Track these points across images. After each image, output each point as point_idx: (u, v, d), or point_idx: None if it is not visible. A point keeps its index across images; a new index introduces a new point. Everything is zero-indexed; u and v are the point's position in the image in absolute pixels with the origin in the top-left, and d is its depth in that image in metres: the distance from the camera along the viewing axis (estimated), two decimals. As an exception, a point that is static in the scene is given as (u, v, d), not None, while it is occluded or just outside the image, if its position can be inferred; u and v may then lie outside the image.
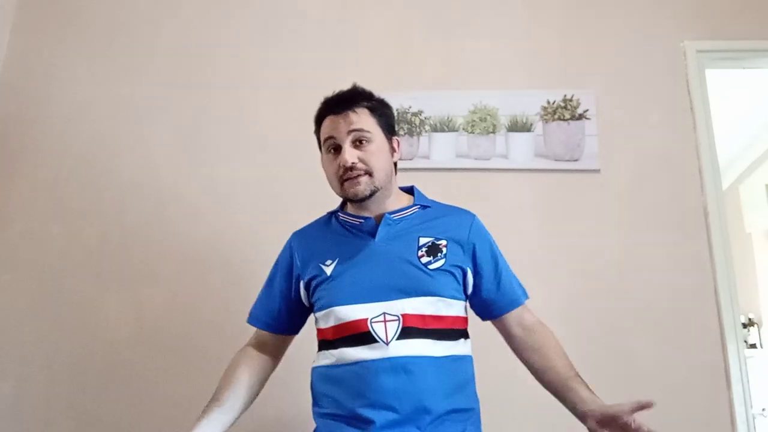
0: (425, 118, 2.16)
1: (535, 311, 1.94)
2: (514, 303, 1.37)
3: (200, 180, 2.17)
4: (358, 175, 1.27)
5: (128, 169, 2.20)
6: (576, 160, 2.10)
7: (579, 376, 1.29)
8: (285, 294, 1.39)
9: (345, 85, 2.28)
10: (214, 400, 1.31)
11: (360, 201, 1.30)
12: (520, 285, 1.41)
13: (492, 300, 1.36)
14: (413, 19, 2.31)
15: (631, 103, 2.16)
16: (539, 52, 2.24)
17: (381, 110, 1.35)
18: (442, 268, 1.27)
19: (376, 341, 1.20)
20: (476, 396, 1.31)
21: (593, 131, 2.12)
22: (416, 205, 1.36)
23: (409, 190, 1.42)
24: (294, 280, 1.37)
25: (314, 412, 1.31)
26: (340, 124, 1.29)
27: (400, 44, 2.28)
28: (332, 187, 1.35)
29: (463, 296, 1.32)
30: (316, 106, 2.22)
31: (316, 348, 1.36)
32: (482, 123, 2.15)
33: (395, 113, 2.14)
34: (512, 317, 1.36)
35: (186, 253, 2.09)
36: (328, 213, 1.43)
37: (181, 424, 1.93)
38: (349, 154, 1.26)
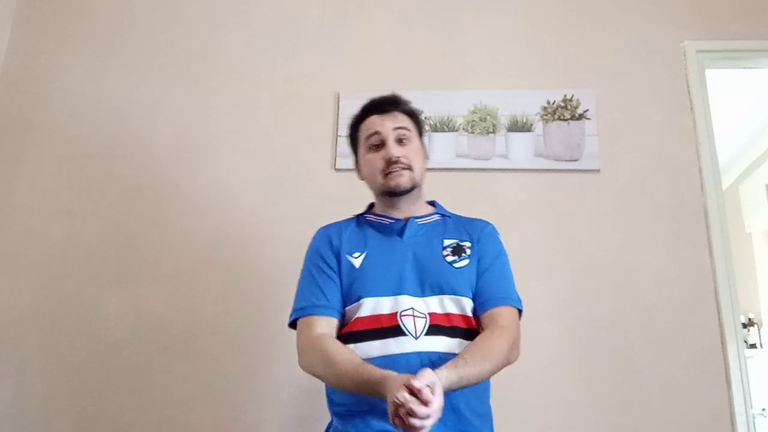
0: (425, 118, 2.15)
1: (536, 311, 1.95)
2: (498, 300, 1.29)
3: (201, 179, 2.17)
4: (402, 169, 1.34)
5: (128, 169, 2.20)
6: (576, 160, 2.10)
7: (460, 359, 1.16)
8: (339, 283, 1.33)
9: (345, 85, 2.29)
10: (355, 365, 1.19)
11: (400, 194, 1.36)
12: (509, 290, 1.33)
13: (479, 293, 1.29)
14: (413, 20, 2.31)
15: (631, 103, 2.16)
16: (539, 52, 2.24)
17: (416, 118, 1.45)
18: (467, 267, 1.30)
19: (404, 335, 1.21)
20: (489, 403, 1.31)
21: (593, 131, 2.11)
22: (438, 213, 1.42)
23: (432, 203, 1.47)
24: (340, 270, 1.35)
25: (331, 410, 1.31)
26: (386, 121, 1.38)
27: (400, 44, 2.28)
28: (371, 182, 1.41)
29: None
30: (316, 105, 2.24)
31: None
32: (482, 123, 2.15)
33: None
34: (486, 317, 1.28)
35: (186, 253, 2.09)
36: (355, 215, 1.47)
37: (181, 424, 1.94)
38: (395, 149, 1.35)
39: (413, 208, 1.39)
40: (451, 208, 1.48)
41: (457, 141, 2.14)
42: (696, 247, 1.99)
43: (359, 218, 1.45)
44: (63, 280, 2.08)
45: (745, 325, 3.81)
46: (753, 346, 3.86)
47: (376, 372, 1.14)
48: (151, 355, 1.99)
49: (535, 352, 1.91)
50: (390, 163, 1.34)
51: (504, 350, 1.22)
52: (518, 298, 1.34)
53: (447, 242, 1.34)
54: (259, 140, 2.20)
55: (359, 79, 2.24)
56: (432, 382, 1.04)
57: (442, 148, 2.14)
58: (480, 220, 1.43)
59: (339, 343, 1.26)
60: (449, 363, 1.14)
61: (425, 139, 1.52)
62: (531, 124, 2.14)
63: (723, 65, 2.28)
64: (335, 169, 2.14)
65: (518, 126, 2.15)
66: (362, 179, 1.45)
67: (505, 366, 1.24)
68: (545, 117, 2.14)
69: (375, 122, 1.39)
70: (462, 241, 1.35)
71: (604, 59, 2.21)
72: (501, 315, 1.27)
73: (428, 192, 1.47)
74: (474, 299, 1.30)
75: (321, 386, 1.87)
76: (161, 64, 2.31)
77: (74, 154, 2.22)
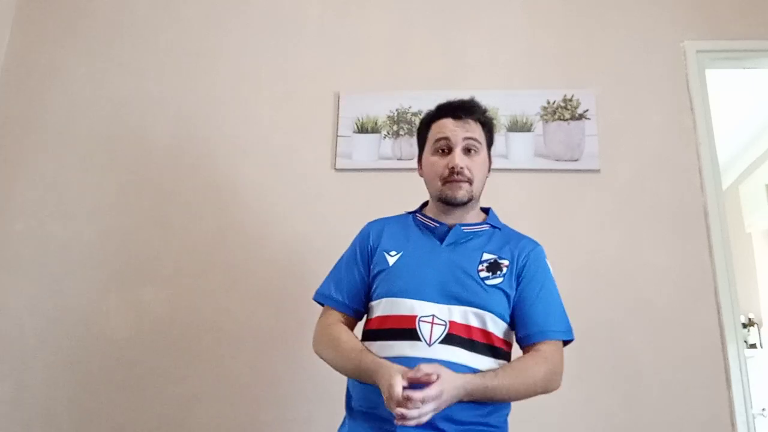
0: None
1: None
2: (540, 335, 1.27)
3: (201, 179, 2.17)
4: (461, 181, 1.33)
5: (128, 168, 2.20)
6: (576, 160, 2.10)
7: (490, 371, 1.20)
8: (366, 281, 1.38)
9: (345, 85, 2.28)
10: (356, 351, 1.26)
11: (456, 205, 1.35)
12: (562, 322, 1.31)
13: (522, 326, 1.29)
14: (413, 19, 2.31)
15: (631, 103, 2.15)
16: (539, 52, 2.24)
17: (490, 127, 1.44)
18: (499, 286, 1.28)
19: (419, 340, 1.22)
20: (506, 422, 1.30)
21: (593, 131, 2.11)
22: (488, 224, 1.40)
23: (486, 210, 1.46)
24: (370, 268, 1.38)
25: (347, 405, 1.32)
26: (458, 128, 1.36)
27: (400, 44, 2.28)
28: (429, 186, 1.40)
29: (509, 320, 1.30)
30: (316, 105, 2.24)
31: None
32: (482, 123, 2.15)
33: (395, 113, 2.18)
34: (534, 348, 1.27)
35: (186, 253, 2.09)
36: (407, 212, 1.47)
37: (181, 424, 1.94)
38: (460, 158, 1.33)
39: (465, 217, 1.38)
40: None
41: (457, 141, 2.14)
42: (696, 247, 1.99)
43: (409, 215, 1.45)
44: (63, 280, 2.08)
45: (745, 325, 3.81)
46: (753, 346, 3.85)
47: (373, 360, 1.20)
48: (151, 355, 1.99)
49: (535, 352, 1.91)
50: (452, 172, 1.33)
51: (538, 375, 1.22)
52: (565, 328, 1.31)
53: (486, 256, 1.31)
54: (259, 140, 2.20)
55: (359, 79, 2.24)
56: (435, 372, 1.09)
57: (442, 148, 2.13)
58: (529, 239, 1.40)
59: (347, 330, 1.34)
60: (479, 373, 1.18)
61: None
62: (531, 124, 2.14)
63: (723, 65, 2.28)
64: (335, 169, 2.14)
65: (518, 126, 2.14)
66: (421, 176, 1.44)
67: (539, 393, 1.24)
68: (545, 117, 2.14)
69: (447, 126, 1.37)
70: (501, 258, 1.32)
71: (604, 59, 2.21)
72: (545, 346, 1.27)
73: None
74: (517, 328, 1.30)
75: (320, 387, 1.87)
76: (161, 64, 2.31)
77: (74, 153, 2.22)
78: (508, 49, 2.25)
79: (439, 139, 1.37)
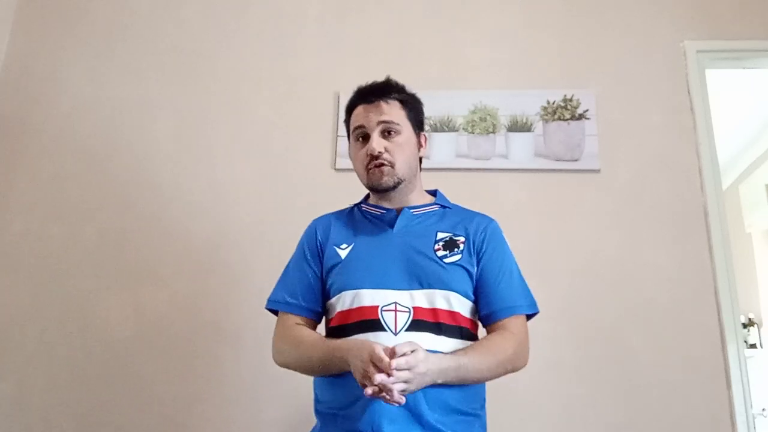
0: (425, 118, 2.15)
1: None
2: (506, 311, 1.27)
3: (201, 179, 2.17)
4: (382, 165, 1.30)
5: (128, 168, 2.20)
6: (576, 160, 2.10)
7: (460, 351, 1.19)
8: (319, 278, 1.34)
9: (345, 85, 2.28)
10: (321, 341, 1.25)
11: (384, 191, 1.32)
12: (525, 296, 1.31)
13: (486, 304, 1.28)
14: (413, 20, 2.31)
15: (631, 103, 2.16)
16: (539, 52, 2.24)
17: (412, 104, 1.38)
18: (458, 263, 1.26)
19: (384, 330, 1.19)
20: (484, 403, 1.28)
21: (593, 131, 2.11)
22: (437, 204, 1.38)
23: (433, 193, 1.44)
24: (322, 265, 1.35)
25: (316, 410, 1.30)
26: (370, 114, 1.32)
27: (400, 44, 2.28)
28: (359, 176, 1.37)
29: (473, 297, 1.28)
30: (316, 105, 2.25)
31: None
32: (482, 123, 2.15)
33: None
34: (500, 324, 1.27)
35: (186, 252, 2.09)
36: (352, 205, 1.44)
37: (181, 424, 1.94)
38: (377, 143, 1.30)
39: (408, 199, 1.35)
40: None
41: (457, 141, 2.14)
42: (696, 247, 2.00)
43: (354, 208, 1.43)
44: (63, 280, 2.08)
45: (745, 325, 3.81)
46: (753, 346, 3.85)
47: (343, 341, 1.17)
48: (151, 355, 1.99)
49: (535, 352, 1.89)
50: (372, 158, 1.30)
51: (508, 352, 1.21)
52: (530, 301, 1.30)
53: (440, 235, 1.30)
54: (259, 140, 2.20)
55: (359, 79, 2.21)
56: (412, 348, 1.06)
57: (442, 148, 2.14)
58: (482, 215, 1.38)
59: (309, 330, 1.30)
60: (449, 353, 1.15)
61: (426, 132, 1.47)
62: (531, 124, 2.14)
63: (723, 65, 2.28)
64: (335, 169, 2.14)
65: (518, 126, 2.15)
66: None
67: (509, 371, 1.23)
68: (545, 117, 2.14)
69: (360, 114, 1.34)
70: (456, 235, 1.30)
71: (604, 59, 2.22)
72: (510, 323, 1.26)
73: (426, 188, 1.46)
74: (480, 306, 1.28)
75: (321, 386, 1.87)
76: (161, 64, 2.31)
77: (74, 154, 2.22)
78: (508, 49, 2.25)
79: (355, 129, 1.35)
